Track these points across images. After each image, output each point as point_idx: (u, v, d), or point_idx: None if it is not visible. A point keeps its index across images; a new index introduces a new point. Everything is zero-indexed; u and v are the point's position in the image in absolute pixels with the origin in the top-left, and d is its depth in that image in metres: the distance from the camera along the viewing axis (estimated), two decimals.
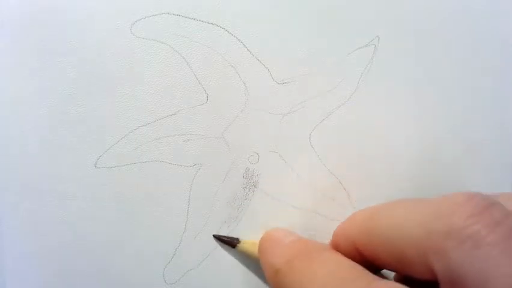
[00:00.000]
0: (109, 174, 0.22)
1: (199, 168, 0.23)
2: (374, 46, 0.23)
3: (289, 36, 0.22)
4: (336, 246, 0.19)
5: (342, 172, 0.23)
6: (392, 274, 0.19)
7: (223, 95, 0.22)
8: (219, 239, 0.23)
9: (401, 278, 0.18)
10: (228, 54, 0.22)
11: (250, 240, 0.23)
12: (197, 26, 0.22)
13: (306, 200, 0.23)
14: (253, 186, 0.23)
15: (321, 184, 0.23)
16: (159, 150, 0.22)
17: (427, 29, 0.23)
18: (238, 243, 0.23)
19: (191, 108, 0.22)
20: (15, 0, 0.21)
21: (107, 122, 0.22)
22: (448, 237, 0.13)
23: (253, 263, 0.23)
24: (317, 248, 0.19)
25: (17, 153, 0.22)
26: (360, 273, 0.16)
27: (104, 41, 0.22)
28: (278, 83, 0.23)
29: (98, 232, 0.23)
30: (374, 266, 0.17)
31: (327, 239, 0.23)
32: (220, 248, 0.23)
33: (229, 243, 0.23)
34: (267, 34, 0.22)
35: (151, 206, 0.23)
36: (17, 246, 0.22)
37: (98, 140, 0.22)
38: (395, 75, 0.23)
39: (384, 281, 0.15)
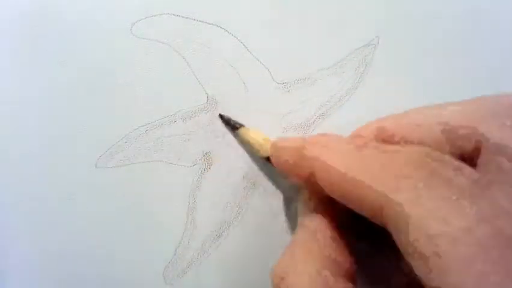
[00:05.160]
0: (109, 174, 0.22)
1: (199, 168, 0.23)
2: (373, 46, 0.23)
3: (289, 37, 0.22)
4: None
5: None
6: None
7: (223, 95, 0.22)
8: (224, 118, 0.22)
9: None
10: (228, 54, 0.22)
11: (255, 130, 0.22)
12: (197, 26, 0.22)
13: None
14: (253, 187, 0.23)
15: None
16: (159, 150, 0.22)
17: (427, 29, 0.23)
18: (241, 127, 0.22)
19: (191, 108, 0.22)
20: (15, 0, 0.21)
21: (107, 122, 0.22)
22: None
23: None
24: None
25: (17, 153, 0.22)
26: None
27: (105, 41, 0.22)
28: (278, 83, 0.23)
29: (98, 232, 0.23)
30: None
31: None
32: (220, 248, 0.23)
33: (233, 125, 0.22)
34: (267, 34, 0.22)
35: (151, 206, 0.23)
36: (17, 247, 0.22)
37: (98, 140, 0.22)
38: (394, 76, 0.23)
39: None
